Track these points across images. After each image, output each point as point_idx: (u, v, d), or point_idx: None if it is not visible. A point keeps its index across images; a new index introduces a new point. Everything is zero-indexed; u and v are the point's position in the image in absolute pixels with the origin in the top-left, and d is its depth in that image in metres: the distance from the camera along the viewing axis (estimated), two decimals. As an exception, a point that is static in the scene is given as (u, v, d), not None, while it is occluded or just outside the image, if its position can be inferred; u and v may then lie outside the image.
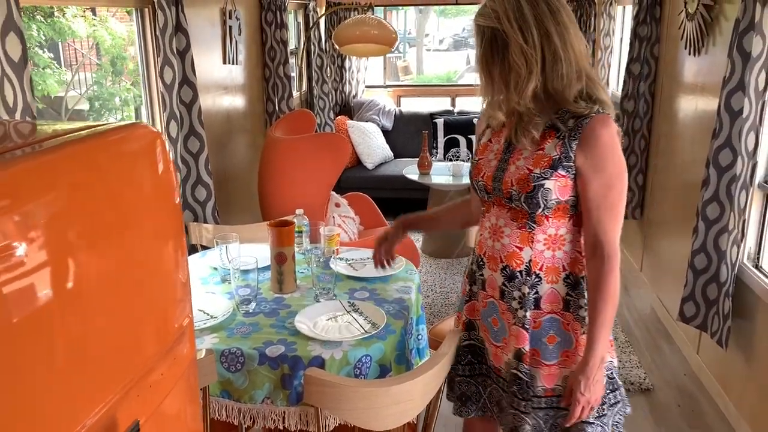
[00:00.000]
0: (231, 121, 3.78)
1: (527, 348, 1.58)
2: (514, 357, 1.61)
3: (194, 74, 2.79)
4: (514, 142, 1.57)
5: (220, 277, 2.33)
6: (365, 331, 1.88)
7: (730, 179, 2.58)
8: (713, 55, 3.11)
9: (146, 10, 2.67)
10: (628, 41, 4.12)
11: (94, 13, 5.51)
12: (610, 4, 4.83)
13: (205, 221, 2.94)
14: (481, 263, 1.67)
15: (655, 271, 3.97)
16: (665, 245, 3.81)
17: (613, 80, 5.08)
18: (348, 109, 6.13)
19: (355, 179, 5.51)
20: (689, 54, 3.35)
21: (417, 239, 4.95)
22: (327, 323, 1.95)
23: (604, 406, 1.62)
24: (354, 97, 6.21)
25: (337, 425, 1.79)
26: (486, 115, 1.66)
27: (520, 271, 1.57)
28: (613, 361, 1.65)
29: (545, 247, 1.56)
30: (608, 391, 1.63)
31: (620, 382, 1.67)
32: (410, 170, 4.92)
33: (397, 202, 5.11)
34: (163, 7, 2.55)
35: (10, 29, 1.65)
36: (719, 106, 2.60)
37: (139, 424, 1.09)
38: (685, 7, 3.35)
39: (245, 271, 2.18)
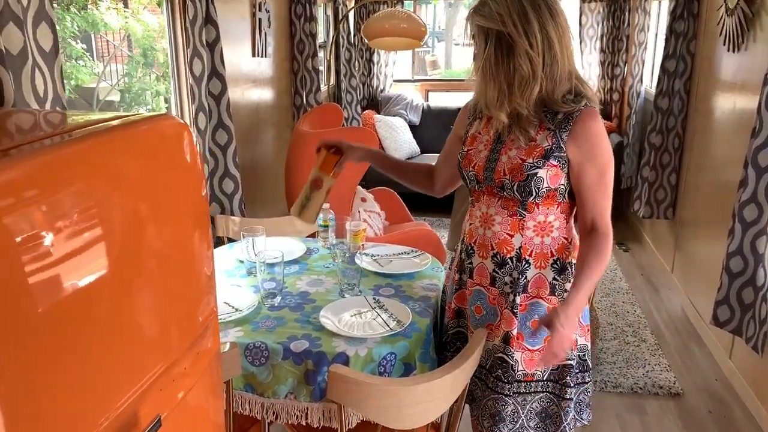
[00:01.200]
0: (259, 114, 3.78)
1: (515, 331, 1.67)
2: (501, 341, 1.70)
3: (223, 66, 2.78)
4: (505, 138, 1.64)
5: (245, 269, 2.32)
6: (390, 329, 1.85)
7: (770, 180, 2.50)
8: (754, 52, 3.01)
9: (176, 1, 2.68)
10: (664, 37, 4.02)
11: (126, 5, 5.56)
12: (646, -1, 4.72)
13: (232, 214, 2.94)
14: (470, 252, 1.75)
15: (686, 273, 3.88)
16: (698, 246, 3.72)
17: (647, 77, 4.97)
18: (375, 103, 6.11)
19: (381, 174, 5.47)
20: (728, 50, 3.26)
21: (443, 236, 4.91)
22: (352, 319, 1.93)
23: (571, 386, 1.71)
24: (382, 91, 6.18)
25: (360, 422, 1.77)
26: (472, 107, 1.77)
27: (511, 258, 1.67)
28: (587, 344, 1.75)
29: (535, 233, 1.66)
30: (577, 371, 1.73)
31: (591, 365, 1.78)
32: (437, 166, 4.87)
33: (422, 197, 5.06)
34: (193, -1, 2.55)
35: (42, 19, 1.65)
36: (759, 104, 2.51)
37: (161, 418, 1.08)
38: (724, 1, 3.25)
39: (271, 265, 2.16)
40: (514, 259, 1.67)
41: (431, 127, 5.95)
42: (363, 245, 2.49)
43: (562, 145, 1.58)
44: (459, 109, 6.06)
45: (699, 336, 3.46)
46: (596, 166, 1.59)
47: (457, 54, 17.89)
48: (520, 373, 1.69)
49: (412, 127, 5.90)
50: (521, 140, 1.61)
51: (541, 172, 1.59)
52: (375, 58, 6.04)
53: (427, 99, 6.43)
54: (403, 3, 5.85)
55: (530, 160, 1.59)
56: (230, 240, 2.82)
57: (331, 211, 2.55)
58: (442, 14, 18.48)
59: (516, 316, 1.67)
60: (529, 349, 1.69)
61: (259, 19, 3.61)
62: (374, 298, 2.05)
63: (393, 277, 2.24)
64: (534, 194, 1.61)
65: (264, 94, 3.88)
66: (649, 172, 4.16)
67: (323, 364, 1.75)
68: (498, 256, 1.69)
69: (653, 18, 4.87)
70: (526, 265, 1.67)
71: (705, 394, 2.96)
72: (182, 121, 1.18)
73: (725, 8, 3.26)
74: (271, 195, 3.93)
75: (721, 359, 3.17)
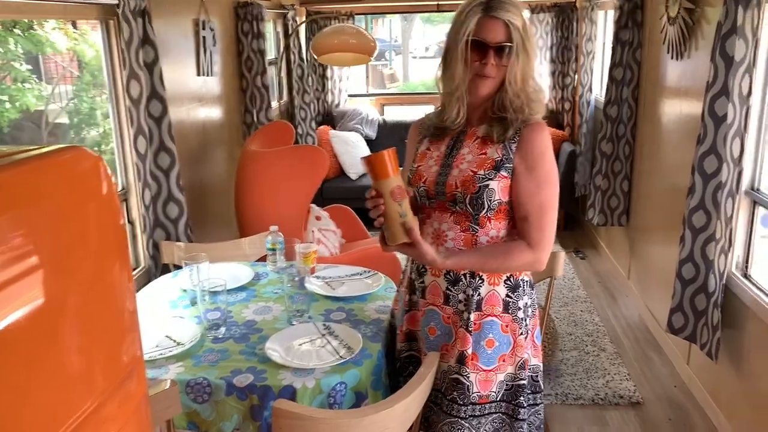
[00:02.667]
0: (207, 134, 3.69)
1: (470, 351, 1.63)
2: (456, 361, 1.65)
3: (163, 87, 2.69)
4: (456, 153, 1.64)
5: (189, 299, 2.23)
6: (340, 356, 1.79)
7: (716, 186, 2.52)
8: (696, 59, 3.05)
9: (111, 22, 2.58)
10: (611, 46, 4.07)
11: (75, 27, 5.40)
12: (592, 9, 4.78)
13: (177, 239, 2.83)
14: (422, 270, 1.72)
15: (642, 279, 3.90)
16: (652, 252, 3.75)
17: (596, 85, 5.03)
18: (330, 118, 6.05)
19: (337, 190, 5.42)
20: (672, 58, 3.30)
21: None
22: (300, 348, 1.86)
23: (524, 407, 1.68)
24: (336, 106, 6.13)
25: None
26: (422, 125, 1.75)
27: (464, 274, 1.65)
28: (539, 365, 1.74)
29: None
30: (529, 392, 1.71)
31: (542, 387, 1.76)
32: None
33: (381, 213, 5.02)
34: (128, 20, 2.46)
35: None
36: (703, 112, 2.53)
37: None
38: (666, 11, 3.30)
39: (215, 293, 2.08)
40: (467, 275, 1.65)
41: (388, 142, 5.90)
42: (314, 268, 2.42)
43: (511, 155, 1.59)
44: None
45: (657, 343, 3.47)
46: (533, 177, 1.58)
47: (414, 67, 17.99)
48: (474, 394, 1.65)
49: (369, 142, 5.86)
50: (496, 139, 1.61)
51: (493, 184, 1.58)
52: (329, 73, 5.99)
53: (382, 113, 6.40)
54: (354, 18, 5.82)
55: (481, 172, 1.59)
56: (177, 267, 2.72)
57: (279, 233, 2.47)
58: (398, 28, 18.59)
59: (470, 335, 1.64)
60: (483, 370, 1.65)
61: (203, 38, 3.52)
62: (324, 324, 1.98)
63: (344, 301, 2.18)
64: (486, 207, 1.59)
65: (212, 113, 3.79)
66: (602, 180, 4.19)
67: (269, 398, 1.67)
68: (451, 273, 1.66)
69: (600, 27, 4.93)
70: (480, 282, 1.65)
71: (665, 402, 2.96)
72: (94, 153, 1.10)
73: (667, 17, 3.30)
74: (223, 217, 3.83)
75: (679, 366, 3.18)
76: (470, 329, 1.64)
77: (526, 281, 1.70)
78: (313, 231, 3.25)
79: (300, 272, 2.37)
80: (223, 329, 1.98)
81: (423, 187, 1.67)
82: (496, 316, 1.65)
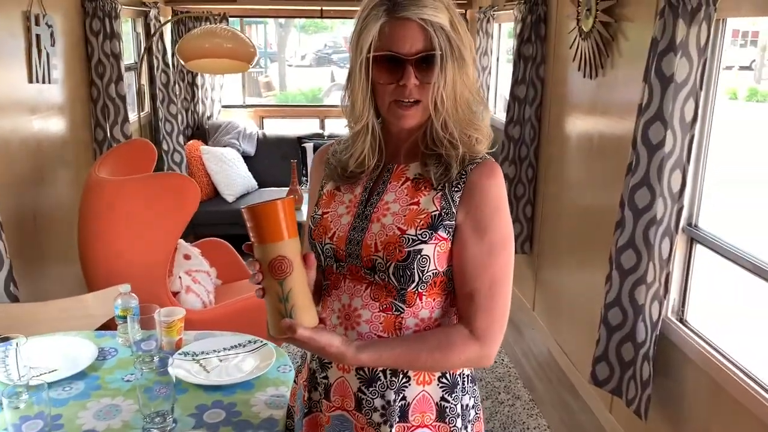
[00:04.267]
0: (43, 152, 2.97)
1: None
2: None
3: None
4: (376, 199, 1.19)
5: (5, 397, 1.59)
6: (218, 492, 1.26)
7: (648, 222, 2.23)
8: (614, 77, 2.80)
9: None
10: (508, 61, 3.80)
11: None
12: (488, 21, 4.52)
13: (-6, 299, 2.15)
14: (325, 362, 1.24)
15: (549, 309, 3.64)
16: (560, 280, 3.49)
17: (491, 103, 4.78)
18: (202, 132, 5.38)
19: (212, 214, 4.78)
20: (584, 76, 3.04)
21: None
22: (159, 479, 1.30)
23: None
24: (209, 118, 5.47)
25: None
26: (327, 159, 1.28)
27: (384, 371, 1.19)
28: None
29: None
30: None
31: None
32: (276, 204, 4.27)
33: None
34: None
35: None
36: (635, 138, 2.24)
37: None
38: (578, 24, 3.04)
39: (35, 388, 1.46)
40: (387, 373, 1.18)
41: (269, 158, 5.33)
42: (180, 340, 1.85)
43: (453, 209, 1.14)
44: (299, 138, 5.46)
45: (572, 384, 3.19)
46: (485, 243, 1.14)
47: (291, 75, 17.42)
48: None
49: (247, 159, 5.24)
50: (442, 181, 1.16)
51: (427, 249, 1.13)
52: (199, 81, 5.32)
53: (262, 126, 5.82)
54: (228, 21, 5.21)
55: (411, 232, 1.13)
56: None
57: (132, 295, 1.88)
58: (273, 34, 17.95)
59: None
60: None
61: (37, 35, 2.82)
62: (194, 435, 1.43)
63: (223, 390, 1.63)
64: (417, 280, 1.14)
65: (50, 128, 3.07)
66: (505, 205, 3.89)
67: None
68: (365, 370, 1.19)
69: (494, 41, 4.68)
70: (405, 381, 1.19)
71: (590, 458, 2.66)
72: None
73: (579, 32, 3.04)
74: (64, 252, 3.11)
75: (600, 414, 2.90)
76: None
77: (467, 375, 1.25)
78: (180, 277, 2.65)
79: (162, 348, 1.81)
80: (45, 452, 1.38)
81: (329, 244, 1.21)
82: (427, 426, 1.20)
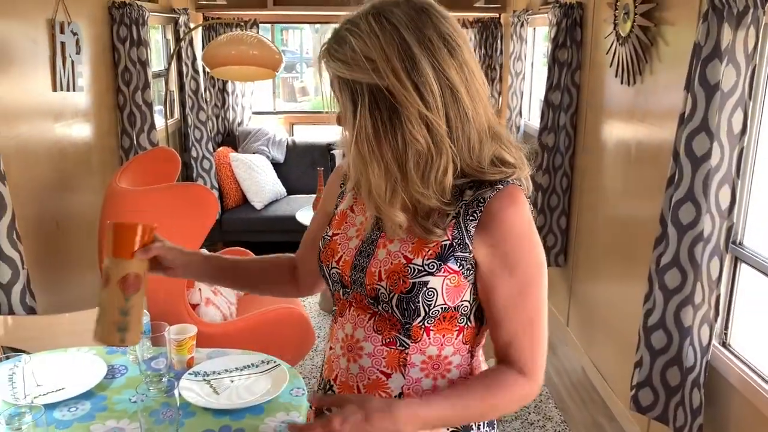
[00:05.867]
0: (67, 159, 2.95)
1: None
2: None
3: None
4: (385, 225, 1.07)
5: (3, 419, 1.54)
6: None
7: (694, 239, 2.09)
8: (654, 84, 2.66)
9: None
10: (542, 66, 3.67)
11: None
12: (521, 25, 4.39)
13: (11, 312, 2.11)
14: (329, 393, 1.16)
15: (583, 325, 3.49)
16: (595, 295, 3.34)
17: (525, 109, 4.64)
18: (232, 139, 5.36)
19: (240, 222, 4.75)
20: (621, 82, 2.89)
21: (308, 300, 4.26)
22: None
23: None
24: (239, 125, 5.46)
25: None
26: (344, 173, 1.19)
27: None
28: None
29: (423, 374, 1.08)
30: None
31: None
32: (304, 213, 4.22)
33: (290, 247, 4.39)
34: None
35: None
36: (676, 150, 2.11)
37: None
38: (615, 29, 2.90)
39: (52, 407, 1.40)
40: None
41: (298, 166, 5.29)
42: (192, 359, 1.78)
43: (467, 240, 1.02)
44: (328, 145, 5.40)
45: (606, 405, 3.04)
46: (516, 279, 1.03)
47: (326, 80, 17.43)
48: None
49: (276, 166, 5.21)
50: (424, 234, 1.03)
51: (434, 282, 1.02)
52: (230, 87, 5.31)
53: (292, 133, 5.78)
54: (258, 27, 5.18)
55: (418, 261, 1.03)
56: (13, 350, 2.00)
57: (146, 312, 1.81)
58: (309, 39, 18.02)
59: None
60: None
61: (62, 43, 2.80)
62: (198, 466, 1.35)
63: (232, 415, 1.55)
64: (423, 314, 1.04)
65: (75, 135, 3.05)
66: (537, 216, 3.76)
67: None
68: None
69: (529, 46, 4.55)
70: None
71: (626, 487, 2.51)
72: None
73: (616, 36, 2.90)
74: (87, 260, 3.08)
75: (637, 439, 2.74)
76: None
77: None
78: (200, 289, 2.59)
79: (173, 366, 1.74)
80: (40, 482, 1.31)
81: (336, 268, 1.12)
82: None
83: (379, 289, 1.05)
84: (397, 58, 0.94)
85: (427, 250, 1.03)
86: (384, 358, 1.08)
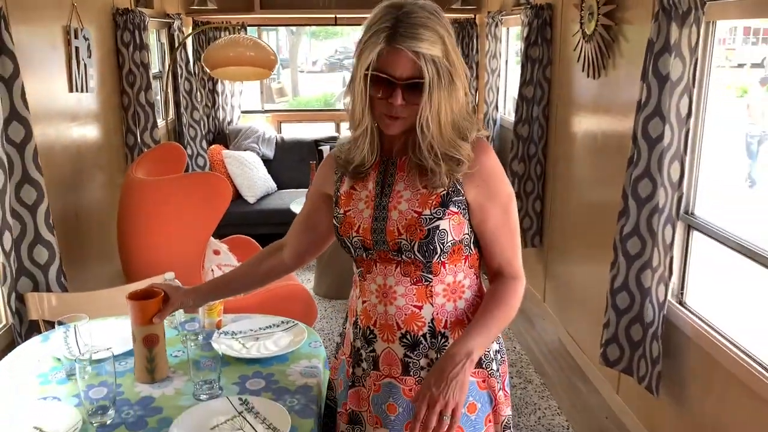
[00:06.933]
0: (82, 158, 3.18)
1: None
2: None
3: (26, 107, 2.22)
4: (389, 190, 1.37)
5: (65, 371, 1.79)
6: (264, 443, 1.44)
7: (651, 211, 2.40)
8: (616, 77, 2.97)
9: (-46, 26, 2.09)
10: (516, 63, 3.97)
11: None
12: (496, 25, 4.70)
13: (48, 289, 2.35)
14: (370, 337, 1.43)
15: (559, 301, 3.81)
16: (568, 272, 3.65)
17: (501, 104, 4.95)
18: (223, 137, 5.60)
19: (235, 215, 4.98)
20: (587, 76, 3.21)
21: (308, 279, 4.53)
22: (212, 434, 1.49)
23: None
24: (229, 123, 5.70)
25: None
26: (340, 158, 1.44)
27: (424, 335, 1.38)
28: (510, 414, 1.50)
29: (446, 299, 1.39)
30: None
31: None
32: (297, 203, 4.48)
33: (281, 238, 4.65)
34: (-23, 23, 1.99)
35: None
36: (635, 133, 2.41)
37: None
38: (581, 27, 3.21)
39: (99, 362, 1.66)
40: (427, 335, 1.38)
41: (287, 161, 5.55)
42: (220, 321, 2.04)
43: (459, 187, 1.33)
44: (315, 141, 5.68)
45: (582, 371, 3.36)
46: (499, 204, 1.36)
47: (303, 81, 17.65)
48: None
49: (266, 162, 5.46)
50: (429, 183, 1.33)
51: (443, 224, 1.32)
52: (219, 88, 5.55)
53: (280, 131, 6.03)
54: (246, 30, 5.43)
55: (427, 212, 1.32)
56: (48, 323, 2.24)
57: (177, 282, 2.07)
58: (285, 41, 18.21)
59: None
60: None
61: (76, 48, 3.04)
62: (240, 399, 1.62)
63: (261, 363, 1.82)
64: (439, 251, 1.33)
65: (88, 134, 3.28)
66: (515, 201, 4.06)
67: None
68: (408, 336, 1.38)
69: (503, 44, 4.86)
70: (444, 340, 1.38)
71: (599, 435, 2.82)
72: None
73: (582, 35, 3.21)
74: (102, 250, 3.32)
75: (608, 396, 3.06)
76: None
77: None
78: (212, 269, 2.85)
79: (205, 327, 2.00)
80: (111, 412, 1.57)
81: (357, 237, 1.39)
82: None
83: (401, 242, 1.33)
84: (450, 39, 1.25)
85: (431, 202, 1.32)
86: (414, 294, 1.36)
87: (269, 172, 5.40)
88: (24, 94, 2.21)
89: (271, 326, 2.04)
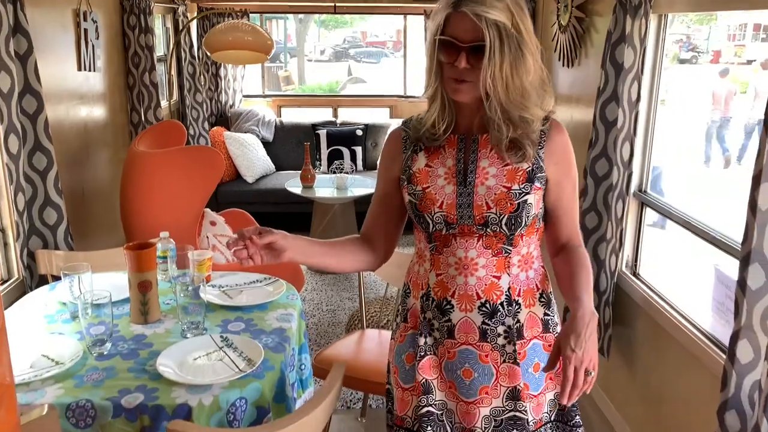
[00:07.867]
0: (89, 134, 3.42)
1: (521, 383, 1.46)
2: (507, 399, 1.47)
3: (39, 82, 2.45)
4: (473, 166, 1.42)
5: (69, 313, 2.03)
6: (239, 370, 1.68)
7: (608, 188, 2.62)
8: (587, 67, 3.18)
9: (-25, 6, 2.32)
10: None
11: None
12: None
13: (56, 247, 2.59)
14: (446, 308, 1.47)
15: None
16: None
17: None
18: (225, 119, 5.83)
19: (234, 194, 5.23)
20: (563, 65, 3.42)
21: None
22: (195, 363, 1.73)
23: (580, 426, 1.53)
24: (231, 107, 5.92)
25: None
26: (407, 137, 1.49)
27: (501, 303, 1.44)
28: None
29: (520, 269, 1.46)
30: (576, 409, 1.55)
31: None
32: (293, 183, 4.72)
33: (279, 217, 4.89)
34: (-4, 4, 2.22)
35: None
36: (594, 117, 2.63)
37: None
38: (557, 19, 3.42)
39: (98, 306, 1.90)
40: (504, 303, 1.44)
41: (285, 144, 5.78)
42: (209, 276, 2.28)
43: (541, 163, 1.42)
44: (313, 125, 5.90)
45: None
46: (572, 180, 1.48)
47: (310, 69, 17.86)
48: (531, 423, 1.49)
49: (265, 144, 5.69)
50: (514, 158, 1.40)
51: (530, 198, 1.40)
52: (222, 72, 5.77)
53: (279, 115, 6.25)
54: (248, 16, 5.65)
55: (516, 187, 1.40)
56: (55, 278, 2.49)
57: (170, 240, 2.31)
58: (293, 29, 18.40)
59: (518, 366, 1.45)
60: (534, 395, 1.49)
61: (85, 30, 3.27)
62: (221, 336, 1.86)
63: (243, 310, 2.07)
64: (522, 224, 1.41)
65: (94, 112, 3.52)
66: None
67: (162, 418, 1.54)
68: (487, 305, 1.44)
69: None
70: (518, 308, 1.45)
71: (561, 397, 3.05)
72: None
73: (558, 26, 3.42)
74: (107, 223, 3.57)
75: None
76: (517, 361, 1.45)
77: (551, 292, 1.54)
78: (207, 237, 3.09)
79: (194, 281, 2.23)
80: (108, 345, 1.81)
81: (440, 212, 1.43)
82: (537, 337, 1.48)
83: (489, 216, 1.39)
84: (518, 11, 1.31)
85: (518, 177, 1.40)
86: (494, 266, 1.43)
87: (268, 153, 5.64)
88: (37, 70, 2.45)
89: (254, 281, 2.28)
